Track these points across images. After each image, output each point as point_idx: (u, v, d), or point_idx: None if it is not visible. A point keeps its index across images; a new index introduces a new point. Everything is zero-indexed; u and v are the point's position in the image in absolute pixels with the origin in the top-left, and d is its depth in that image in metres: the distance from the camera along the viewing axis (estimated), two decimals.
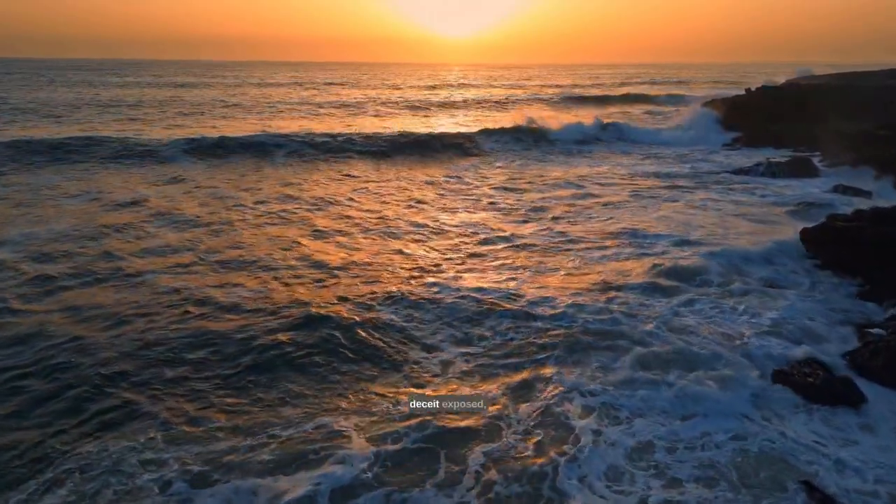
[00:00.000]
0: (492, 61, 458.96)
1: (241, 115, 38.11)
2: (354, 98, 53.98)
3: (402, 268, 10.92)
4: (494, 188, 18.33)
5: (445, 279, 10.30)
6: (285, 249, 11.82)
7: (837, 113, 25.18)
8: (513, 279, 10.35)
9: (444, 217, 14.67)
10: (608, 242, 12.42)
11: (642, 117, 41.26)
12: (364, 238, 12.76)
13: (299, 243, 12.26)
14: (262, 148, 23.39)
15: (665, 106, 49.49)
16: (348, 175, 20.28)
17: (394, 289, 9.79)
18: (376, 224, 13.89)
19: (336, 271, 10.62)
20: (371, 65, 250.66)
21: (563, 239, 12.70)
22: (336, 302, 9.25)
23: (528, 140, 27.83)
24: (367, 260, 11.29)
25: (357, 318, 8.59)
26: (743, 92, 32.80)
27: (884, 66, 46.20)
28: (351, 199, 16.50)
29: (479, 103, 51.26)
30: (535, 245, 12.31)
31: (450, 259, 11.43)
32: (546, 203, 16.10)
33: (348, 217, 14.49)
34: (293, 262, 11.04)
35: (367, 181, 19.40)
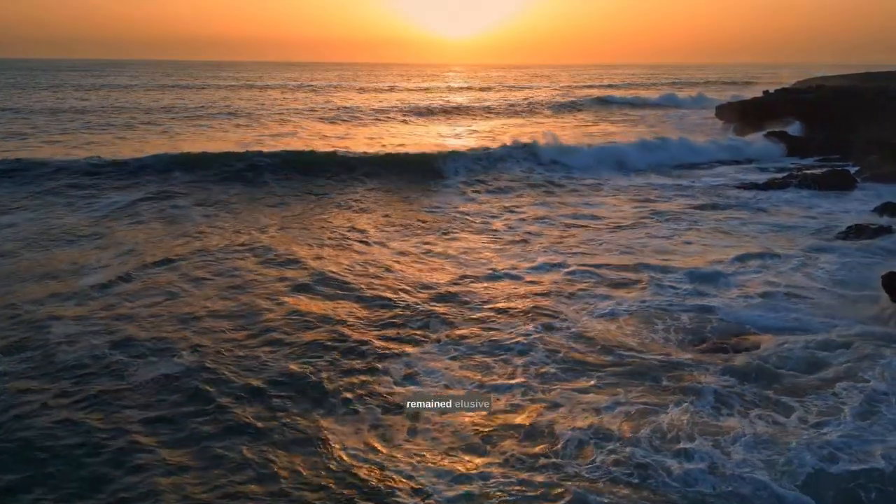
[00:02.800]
0: (495, 62, 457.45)
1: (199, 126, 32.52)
2: (339, 104, 48.03)
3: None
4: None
5: None
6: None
7: (870, 118, 23.06)
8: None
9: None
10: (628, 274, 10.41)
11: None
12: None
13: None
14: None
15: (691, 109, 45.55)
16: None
17: None
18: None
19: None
20: (372, 65, 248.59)
21: None
22: None
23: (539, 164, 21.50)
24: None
25: None
26: (760, 93, 30.80)
27: (885, 67, 44.12)
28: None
29: (491, 109, 45.59)
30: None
31: None
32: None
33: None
34: None
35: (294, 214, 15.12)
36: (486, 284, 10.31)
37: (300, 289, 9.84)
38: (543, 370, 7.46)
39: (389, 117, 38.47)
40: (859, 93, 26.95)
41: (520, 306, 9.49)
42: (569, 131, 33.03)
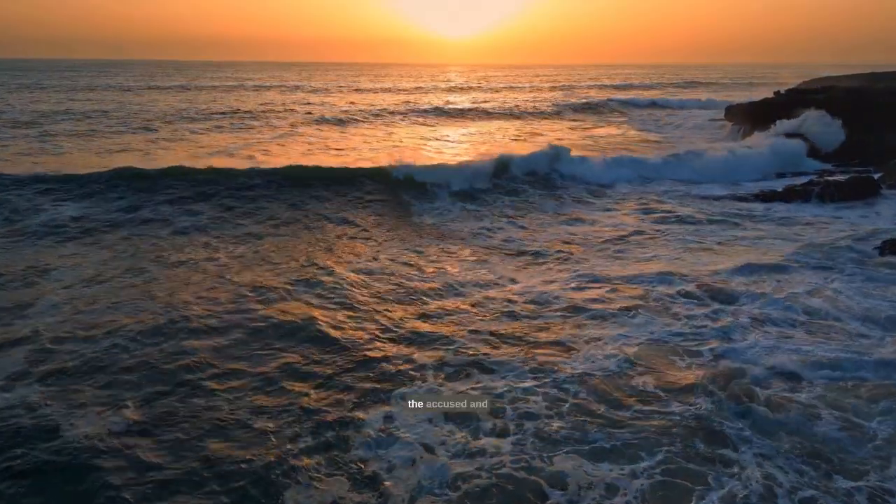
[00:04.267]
0: (495, 62, 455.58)
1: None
2: (331, 106, 45.62)
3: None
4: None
5: None
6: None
7: (887, 120, 21.81)
8: None
9: None
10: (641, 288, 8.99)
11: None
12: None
13: None
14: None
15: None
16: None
17: None
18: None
19: None
20: (371, 65, 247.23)
21: None
22: None
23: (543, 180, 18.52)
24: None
25: None
26: (766, 94, 29.49)
27: (885, 67, 42.86)
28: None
29: (489, 112, 42.72)
30: None
31: None
32: None
33: None
34: None
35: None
36: (477, 311, 9.04)
37: (260, 323, 8.55)
38: (543, 427, 6.18)
39: (384, 120, 36.83)
40: (873, 94, 25.60)
41: (517, 333, 8.29)
42: (574, 136, 31.77)
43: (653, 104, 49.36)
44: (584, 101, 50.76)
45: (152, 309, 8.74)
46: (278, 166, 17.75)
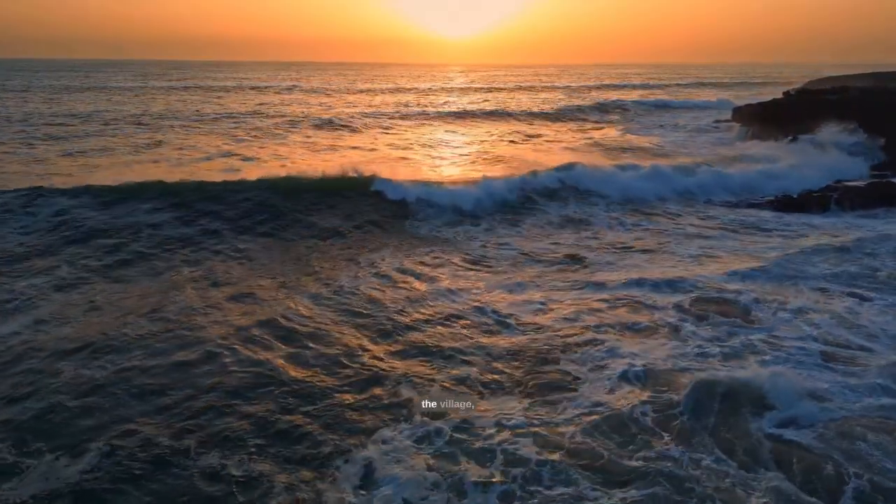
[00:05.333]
0: (495, 62, 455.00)
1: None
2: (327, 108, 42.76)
3: None
4: None
5: None
6: None
7: None
8: None
9: None
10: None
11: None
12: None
13: None
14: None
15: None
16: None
17: None
18: None
19: None
20: (371, 65, 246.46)
21: None
22: None
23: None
24: None
25: None
26: (771, 96, 28.65)
27: (886, 66, 41.92)
28: None
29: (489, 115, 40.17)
30: None
31: None
32: None
33: None
34: None
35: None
36: (469, 332, 8.20)
37: (221, 359, 7.71)
38: (535, 491, 5.33)
39: (381, 122, 35.67)
40: (889, 94, 24.76)
41: (512, 361, 7.51)
42: (578, 139, 30.91)
43: (655, 105, 48.51)
44: (586, 102, 49.92)
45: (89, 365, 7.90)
46: (251, 178, 15.61)
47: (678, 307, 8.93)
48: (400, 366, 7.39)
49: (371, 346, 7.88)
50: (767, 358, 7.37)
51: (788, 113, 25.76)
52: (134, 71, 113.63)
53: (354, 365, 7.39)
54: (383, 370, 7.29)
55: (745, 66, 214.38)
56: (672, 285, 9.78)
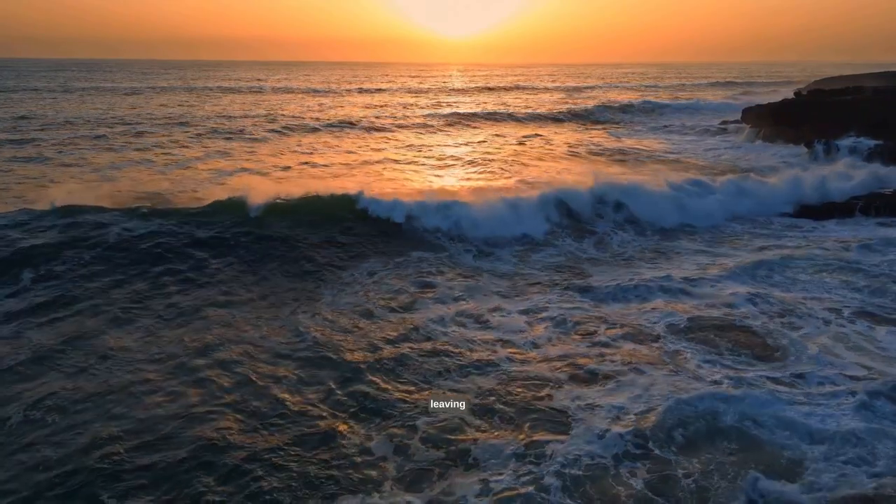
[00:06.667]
0: (495, 61, 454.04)
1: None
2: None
3: None
4: None
5: None
6: None
7: None
8: None
9: None
10: None
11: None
12: None
13: None
14: None
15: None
16: None
17: None
18: None
19: None
20: (371, 64, 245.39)
21: None
22: None
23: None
24: None
25: None
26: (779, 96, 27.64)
27: (887, 66, 40.83)
28: None
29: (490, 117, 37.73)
30: None
31: None
32: None
33: None
34: None
35: None
36: (457, 381, 7.05)
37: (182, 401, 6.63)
38: None
39: (378, 126, 34.23)
40: None
41: (505, 410, 6.44)
42: (581, 143, 29.86)
43: (659, 106, 47.40)
44: (590, 103, 48.85)
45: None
46: (203, 204, 12.92)
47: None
48: (373, 416, 6.30)
49: (338, 391, 6.72)
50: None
51: (801, 114, 24.73)
52: (123, 72, 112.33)
53: (308, 418, 6.20)
54: (349, 424, 6.13)
55: (746, 66, 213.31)
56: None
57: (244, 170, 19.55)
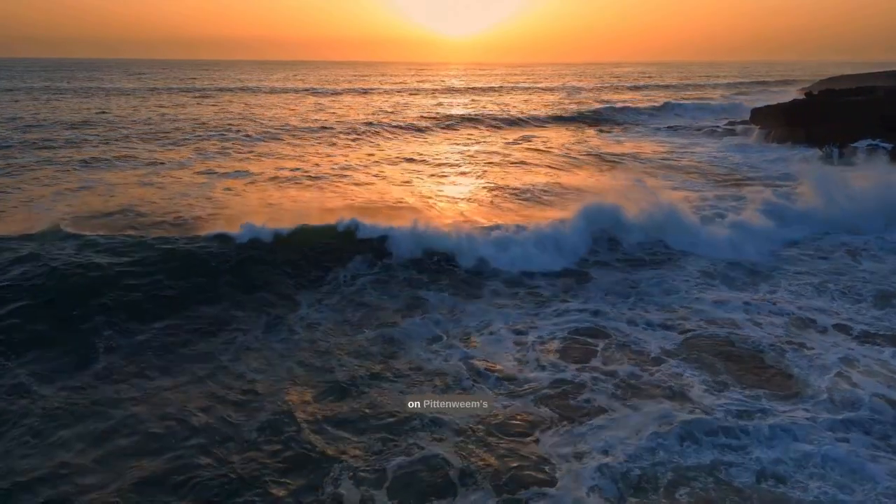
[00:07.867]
0: (496, 60, 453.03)
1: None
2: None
3: None
4: None
5: None
6: None
7: None
8: None
9: None
10: None
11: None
12: None
13: None
14: None
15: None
16: None
17: None
18: None
19: None
20: (371, 64, 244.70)
21: None
22: None
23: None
24: None
25: None
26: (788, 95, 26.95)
27: (887, 66, 39.99)
28: None
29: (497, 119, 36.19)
30: None
31: None
32: None
33: None
34: None
35: None
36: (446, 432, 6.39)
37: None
38: None
39: (373, 130, 33.24)
40: None
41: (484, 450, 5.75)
42: (582, 147, 29.12)
43: (663, 106, 46.67)
44: (590, 103, 48.12)
45: None
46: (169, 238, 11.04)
47: None
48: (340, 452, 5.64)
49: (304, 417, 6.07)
50: None
51: (812, 114, 24.05)
52: (116, 71, 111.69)
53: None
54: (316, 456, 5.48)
55: (747, 65, 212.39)
56: None
57: (239, 172, 18.80)
